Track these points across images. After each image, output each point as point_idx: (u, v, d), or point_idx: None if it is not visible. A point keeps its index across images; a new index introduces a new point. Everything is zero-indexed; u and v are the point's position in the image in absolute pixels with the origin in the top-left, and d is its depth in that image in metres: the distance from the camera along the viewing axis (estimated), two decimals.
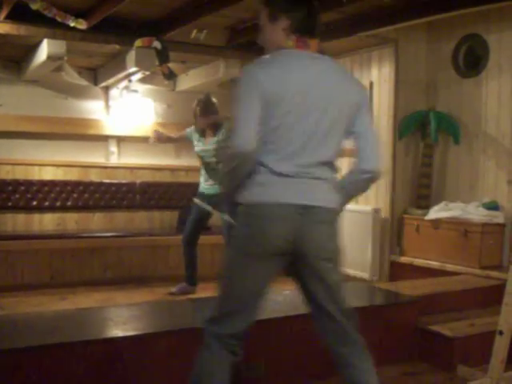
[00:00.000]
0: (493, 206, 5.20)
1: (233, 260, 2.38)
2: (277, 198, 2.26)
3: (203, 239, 5.50)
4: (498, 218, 5.11)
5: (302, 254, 2.31)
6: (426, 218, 5.46)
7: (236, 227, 2.39)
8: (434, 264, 5.33)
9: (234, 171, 2.31)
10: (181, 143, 6.17)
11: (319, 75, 2.34)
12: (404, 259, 5.67)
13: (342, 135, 2.39)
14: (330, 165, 2.38)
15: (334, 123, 2.34)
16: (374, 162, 2.42)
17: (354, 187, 2.50)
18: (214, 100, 5.32)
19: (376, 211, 5.73)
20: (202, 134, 5.34)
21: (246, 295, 2.35)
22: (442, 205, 5.45)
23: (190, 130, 5.46)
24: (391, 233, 5.81)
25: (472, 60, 5.62)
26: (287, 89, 2.27)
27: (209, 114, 5.23)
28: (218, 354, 2.35)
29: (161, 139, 5.63)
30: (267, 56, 2.40)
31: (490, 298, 4.41)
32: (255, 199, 2.29)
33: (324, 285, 2.35)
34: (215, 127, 5.25)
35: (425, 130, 5.77)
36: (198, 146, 5.36)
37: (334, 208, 2.36)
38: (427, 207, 5.62)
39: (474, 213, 5.15)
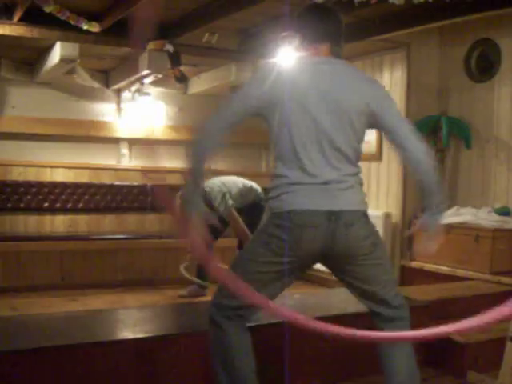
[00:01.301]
0: (504, 212, 5.18)
1: (258, 254, 2.40)
2: (306, 205, 2.30)
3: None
4: (510, 223, 5.08)
5: (336, 255, 2.37)
6: None
7: (267, 228, 2.40)
8: (445, 269, 5.30)
9: (195, 145, 2.41)
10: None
11: (329, 79, 2.36)
12: (414, 264, 5.64)
13: (358, 137, 2.41)
14: (351, 168, 2.40)
15: (347, 125, 2.35)
16: (421, 148, 2.41)
17: (425, 182, 2.45)
18: None
19: (387, 215, 5.72)
20: None
21: (264, 285, 2.37)
22: (453, 210, 5.43)
23: None
24: (402, 237, 5.80)
25: (484, 65, 5.60)
26: (297, 96, 2.31)
27: None
28: (232, 329, 2.42)
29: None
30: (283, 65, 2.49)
31: (501, 304, 4.38)
32: (282, 208, 2.32)
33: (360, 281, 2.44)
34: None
35: (436, 135, 5.75)
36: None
37: (359, 210, 2.38)
38: None
39: (486, 218, 5.13)
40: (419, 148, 2.40)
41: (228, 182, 5.16)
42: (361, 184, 2.44)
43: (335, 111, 2.33)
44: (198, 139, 2.40)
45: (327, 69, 2.39)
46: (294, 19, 2.53)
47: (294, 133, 2.31)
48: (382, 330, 2.49)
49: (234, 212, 4.98)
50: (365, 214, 2.41)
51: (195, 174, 2.41)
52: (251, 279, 2.32)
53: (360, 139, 2.43)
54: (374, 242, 2.44)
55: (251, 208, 5.15)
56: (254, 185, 5.29)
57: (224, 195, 4.95)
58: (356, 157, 2.42)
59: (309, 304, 3.97)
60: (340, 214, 2.30)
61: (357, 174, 2.42)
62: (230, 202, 4.95)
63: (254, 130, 7.66)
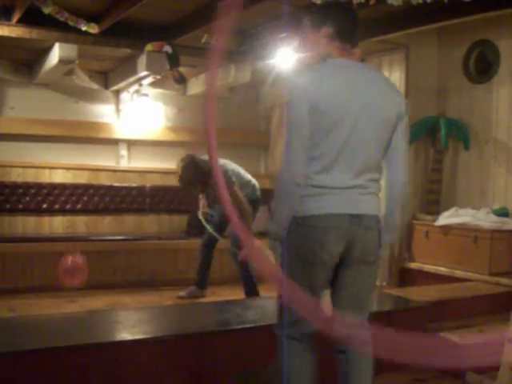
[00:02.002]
0: (503, 213, 5.18)
1: (293, 267, 2.41)
2: (330, 209, 2.33)
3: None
4: (508, 224, 5.09)
5: (350, 257, 2.41)
6: (436, 223, 5.44)
7: (290, 238, 2.40)
8: (444, 270, 5.31)
9: (288, 199, 2.35)
10: None
11: (366, 86, 2.37)
12: (413, 265, 5.65)
13: (384, 145, 2.43)
14: (374, 174, 2.43)
15: (378, 133, 2.39)
16: (404, 174, 2.53)
17: (394, 200, 2.55)
18: (199, 163, 4.97)
19: None
20: None
21: (311, 295, 2.40)
22: (451, 211, 5.43)
23: None
24: (401, 238, 5.80)
25: (483, 66, 5.61)
26: (337, 101, 2.30)
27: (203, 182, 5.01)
28: (301, 353, 2.42)
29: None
30: (314, 66, 2.43)
31: (500, 304, 4.39)
32: (302, 213, 2.34)
33: (354, 287, 2.47)
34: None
35: (435, 136, 5.76)
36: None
37: (377, 215, 2.44)
38: (437, 213, 5.61)
39: (484, 219, 5.13)
40: (405, 176, 2.52)
41: (231, 163, 5.12)
42: (379, 191, 2.48)
43: (373, 119, 2.35)
44: (288, 191, 2.34)
45: (365, 75, 2.40)
46: (319, 16, 2.45)
47: (327, 137, 2.31)
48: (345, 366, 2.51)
49: (237, 188, 4.92)
50: (379, 221, 2.46)
51: (286, 220, 2.38)
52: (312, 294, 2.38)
53: (387, 147, 2.45)
54: (378, 253, 2.50)
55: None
56: (254, 180, 5.27)
57: (227, 171, 4.90)
58: (380, 163, 2.47)
59: None
60: (362, 218, 2.36)
61: (378, 180, 2.47)
62: (234, 178, 4.92)
63: (253, 132, 7.70)
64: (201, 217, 5.27)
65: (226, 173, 4.85)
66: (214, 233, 5.17)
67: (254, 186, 5.22)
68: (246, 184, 5.14)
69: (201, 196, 5.47)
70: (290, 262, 2.41)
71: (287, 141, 2.33)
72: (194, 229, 6.42)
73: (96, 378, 2.80)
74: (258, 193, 5.23)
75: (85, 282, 5.13)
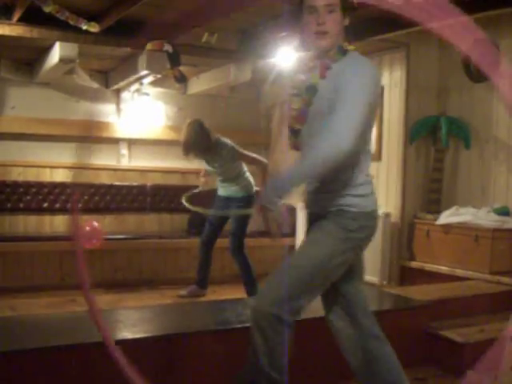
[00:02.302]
0: (504, 212, 5.18)
1: (340, 255, 2.37)
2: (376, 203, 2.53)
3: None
4: (509, 223, 5.08)
5: None
6: (437, 222, 5.44)
7: (361, 231, 2.40)
8: (445, 269, 5.31)
9: (326, 170, 2.24)
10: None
11: None
12: (414, 264, 5.65)
13: None
14: None
15: None
16: None
17: None
18: (204, 131, 5.05)
19: (386, 216, 5.71)
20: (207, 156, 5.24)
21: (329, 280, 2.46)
22: (452, 210, 5.43)
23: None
24: (401, 237, 5.80)
25: None
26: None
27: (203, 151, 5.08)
28: (283, 332, 2.37)
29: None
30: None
31: (501, 303, 4.39)
32: (372, 207, 2.47)
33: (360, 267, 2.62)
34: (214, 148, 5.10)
35: (436, 135, 5.75)
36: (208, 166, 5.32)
37: None
38: (438, 212, 5.61)
39: (485, 218, 5.13)
40: None
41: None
42: None
43: None
44: (323, 169, 2.24)
45: None
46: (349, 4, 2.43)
47: (370, 131, 2.41)
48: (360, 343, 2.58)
49: (244, 152, 5.09)
50: None
51: (293, 187, 2.27)
52: (323, 283, 2.44)
53: None
54: None
55: (241, 202, 5.13)
56: (251, 178, 5.27)
57: (231, 143, 5.08)
58: None
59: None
60: None
61: None
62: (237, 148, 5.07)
63: (253, 131, 7.70)
64: (185, 200, 5.22)
65: (231, 143, 5.01)
66: (200, 210, 5.16)
67: (250, 182, 5.23)
68: (242, 175, 5.18)
69: (202, 173, 5.47)
70: (341, 249, 2.36)
71: (356, 113, 2.19)
72: (195, 228, 6.42)
73: (97, 377, 2.80)
74: (254, 190, 5.22)
75: (100, 246, 5.21)
